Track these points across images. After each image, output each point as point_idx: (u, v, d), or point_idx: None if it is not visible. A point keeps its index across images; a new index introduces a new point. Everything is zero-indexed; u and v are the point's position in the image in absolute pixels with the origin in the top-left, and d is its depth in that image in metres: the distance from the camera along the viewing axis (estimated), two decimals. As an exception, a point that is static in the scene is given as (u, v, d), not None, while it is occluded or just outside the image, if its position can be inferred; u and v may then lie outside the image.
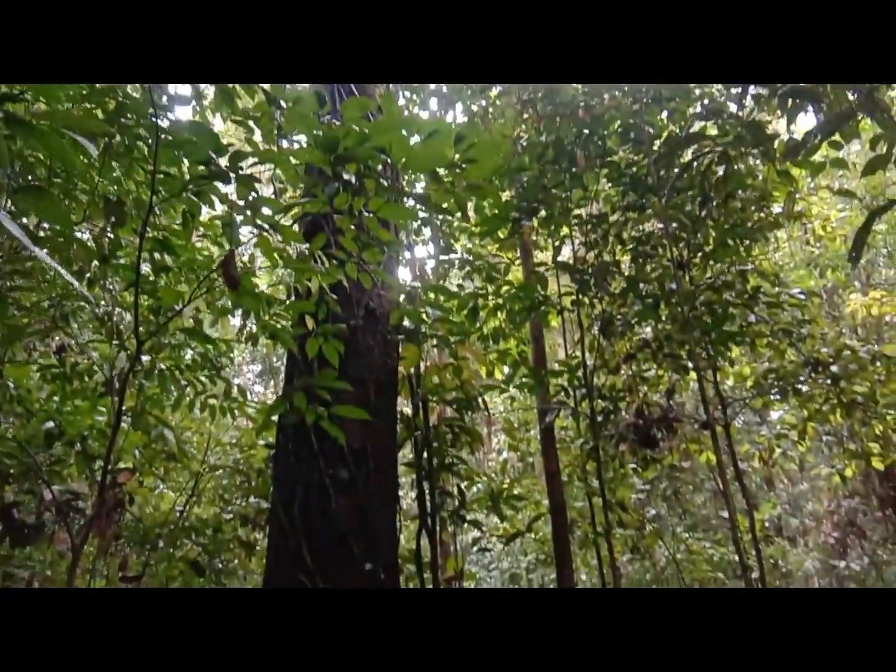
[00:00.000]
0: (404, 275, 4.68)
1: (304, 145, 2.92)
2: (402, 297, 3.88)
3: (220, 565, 4.44)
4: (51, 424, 4.50)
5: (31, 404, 4.72)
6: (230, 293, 2.35)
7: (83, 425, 4.47)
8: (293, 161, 2.90)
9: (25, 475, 4.22)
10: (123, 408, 4.76)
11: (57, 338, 6.93)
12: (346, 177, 2.50)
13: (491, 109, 6.55)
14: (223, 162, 2.23)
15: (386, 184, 2.76)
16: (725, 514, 8.29)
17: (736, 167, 4.39)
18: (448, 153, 2.54)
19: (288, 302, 2.99)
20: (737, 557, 7.86)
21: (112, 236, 2.79)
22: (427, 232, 7.42)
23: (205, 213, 3.37)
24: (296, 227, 4.03)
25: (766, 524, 9.49)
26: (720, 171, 4.38)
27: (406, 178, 4.90)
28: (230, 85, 3.83)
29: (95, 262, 2.98)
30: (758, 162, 4.74)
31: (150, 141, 2.69)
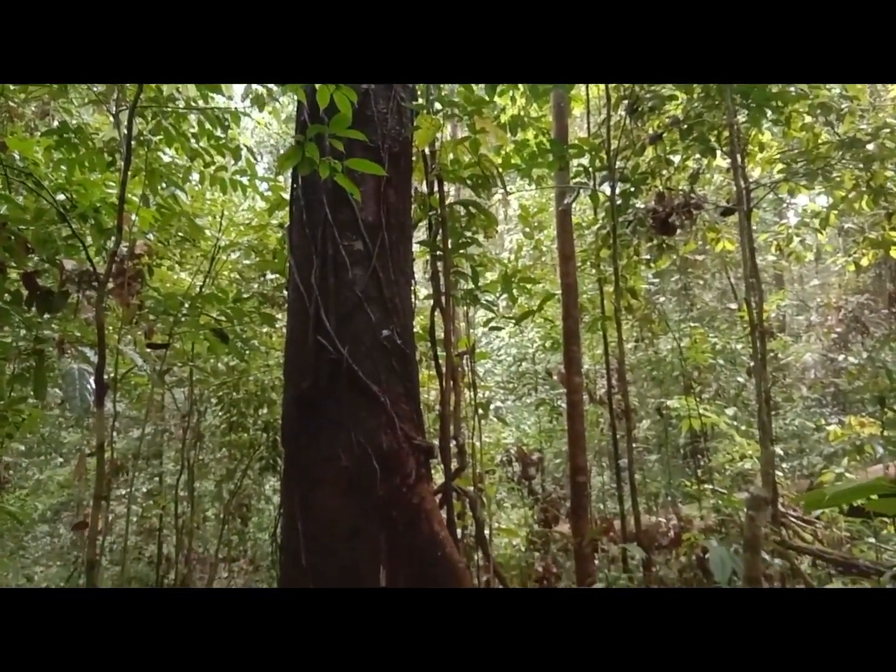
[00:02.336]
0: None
1: None
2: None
3: (243, 333, 4.62)
4: (62, 198, 4.45)
5: (41, 178, 4.64)
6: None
7: (95, 198, 4.42)
8: None
9: (44, 245, 4.25)
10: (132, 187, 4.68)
11: (56, 118, 6.67)
12: None
13: None
14: None
15: None
16: (733, 305, 8.46)
17: None
18: None
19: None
20: (738, 346, 8.15)
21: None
22: None
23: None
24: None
25: (772, 316, 9.70)
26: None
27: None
28: None
29: None
30: None
31: None
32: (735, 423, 7.08)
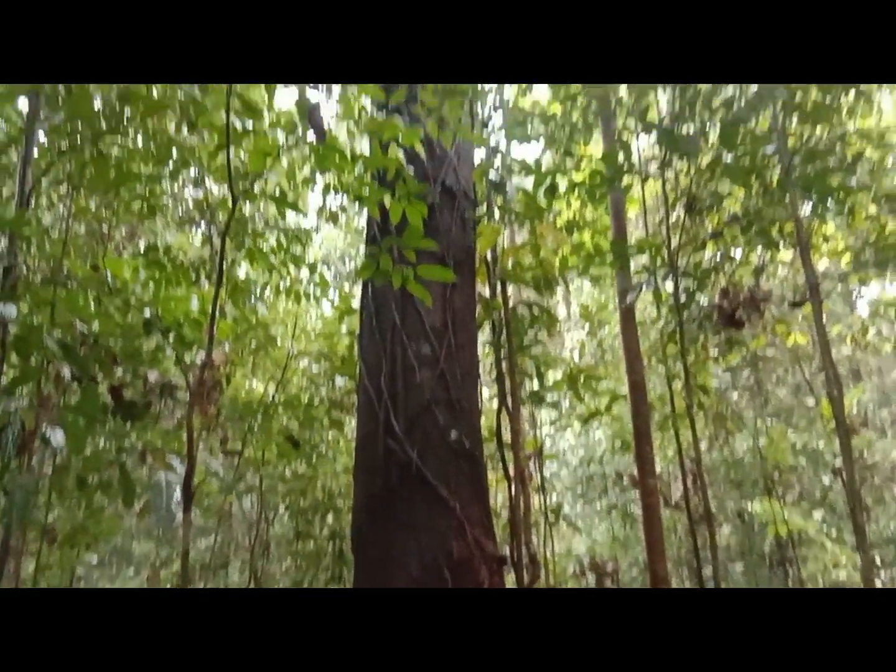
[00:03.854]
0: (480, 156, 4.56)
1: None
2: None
3: (312, 440, 4.69)
4: (148, 314, 4.76)
5: (129, 295, 5.00)
6: (315, 152, 2.35)
7: (178, 313, 4.71)
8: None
9: (130, 358, 4.51)
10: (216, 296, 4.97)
11: (143, 238, 7.23)
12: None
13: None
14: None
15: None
16: (810, 401, 8.10)
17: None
18: None
19: (366, 158, 2.97)
20: (820, 445, 7.73)
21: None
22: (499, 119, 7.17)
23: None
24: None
25: (853, 412, 9.21)
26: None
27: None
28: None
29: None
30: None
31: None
32: (824, 526, 6.61)
